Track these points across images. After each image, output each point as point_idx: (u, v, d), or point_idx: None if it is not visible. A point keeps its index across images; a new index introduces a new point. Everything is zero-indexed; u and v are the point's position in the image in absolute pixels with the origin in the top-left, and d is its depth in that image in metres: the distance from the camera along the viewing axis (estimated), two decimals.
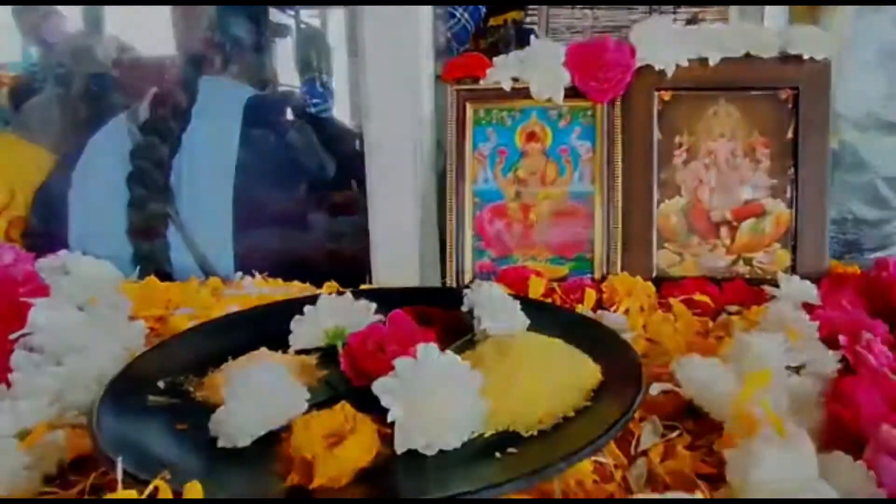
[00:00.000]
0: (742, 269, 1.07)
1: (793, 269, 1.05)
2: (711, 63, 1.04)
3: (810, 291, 0.95)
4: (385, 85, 1.13)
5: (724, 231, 1.07)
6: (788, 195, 1.05)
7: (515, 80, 1.10)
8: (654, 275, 1.07)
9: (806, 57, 1.02)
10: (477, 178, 1.13)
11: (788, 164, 1.05)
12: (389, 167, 1.16)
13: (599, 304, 1.01)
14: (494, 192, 1.12)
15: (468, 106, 1.13)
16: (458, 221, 1.12)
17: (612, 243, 1.08)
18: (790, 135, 1.05)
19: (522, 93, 1.09)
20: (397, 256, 1.17)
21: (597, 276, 1.09)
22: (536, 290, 1.01)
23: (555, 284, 1.05)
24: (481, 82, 1.12)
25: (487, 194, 1.13)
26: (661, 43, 1.04)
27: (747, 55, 1.04)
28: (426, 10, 1.16)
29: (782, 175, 1.05)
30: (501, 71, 1.11)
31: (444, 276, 1.13)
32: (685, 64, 1.04)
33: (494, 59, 1.13)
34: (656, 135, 1.08)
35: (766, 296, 0.97)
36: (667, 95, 1.08)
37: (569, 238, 1.10)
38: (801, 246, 1.04)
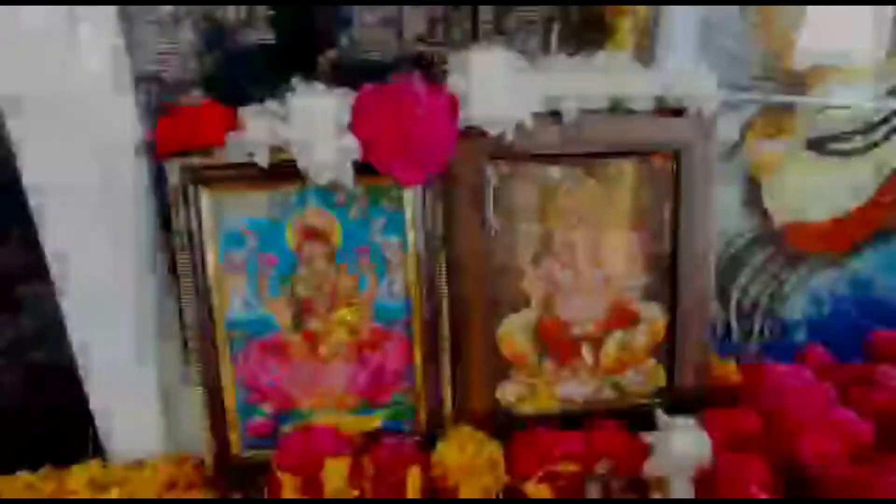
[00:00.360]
0: (609, 394, 0.81)
1: (669, 388, 0.81)
2: (567, 119, 0.70)
3: (699, 444, 0.72)
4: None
5: (586, 349, 0.79)
6: (666, 296, 0.78)
7: (278, 148, 0.69)
8: (497, 418, 0.78)
9: (691, 111, 0.72)
10: (232, 302, 0.73)
11: (665, 253, 0.77)
12: (91, 297, 0.73)
13: (430, 486, 0.71)
14: (261, 320, 0.74)
15: (203, 192, 0.70)
16: (207, 369, 0.73)
17: (439, 379, 0.76)
18: (667, 213, 0.76)
19: (290, 168, 0.68)
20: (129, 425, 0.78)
21: (420, 425, 0.78)
22: (336, 476, 0.68)
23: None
24: (221, 154, 0.69)
25: (252, 325, 0.74)
26: (497, 90, 0.68)
27: (612, 107, 0.72)
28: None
29: (658, 270, 0.78)
30: (254, 134, 0.68)
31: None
32: (528, 122, 0.69)
33: (242, 111, 0.70)
34: (492, 223, 0.74)
35: (641, 448, 0.73)
36: (505, 167, 0.73)
37: (378, 376, 0.76)
38: (680, 358, 0.79)
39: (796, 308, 1.01)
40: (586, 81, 0.70)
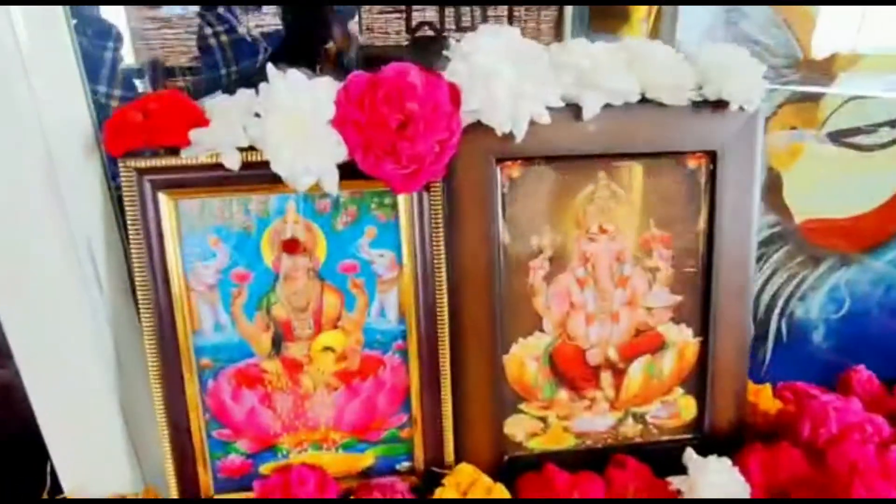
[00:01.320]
0: (631, 429, 0.71)
1: (700, 422, 0.71)
2: (588, 114, 0.60)
3: (736, 490, 0.62)
4: None
5: (606, 377, 0.69)
6: (698, 317, 0.68)
7: (250, 147, 0.59)
8: (505, 457, 0.68)
9: (732, 106, 0.61)
10: (201, 323, 0.63)
11: (698, 270, 0.67)
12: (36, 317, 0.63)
13: None
14: (235, 345, 0.64)
15: (163, 198, 0.60)
16: (171, 402, 0.64)
17: (439, 412, 0.66)
18: (702, 224, 0.66)
19: (265, 170, 0.58)
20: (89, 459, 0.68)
21: (417, 463, 0.68)
22: None
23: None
24: (183, 153, 0.59)
25: (224, 350, 0.64)
26: (506, 79, 0.57)
27: (644, 99, 0.61)
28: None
29: (690, 288, 0.68)
30: (220, 131, 0.58)
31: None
32: (545, 118, 0.59)
33: (208, 104, 0.60)
34: (501, 235, 0.64)
35: (669, 493, 0.64)
36: (515, 170, 0.63)
37: (369, 409, 0.67)
38: (715, 388, 0.70)
39: (814, 308, 0.92)
40: (611, 70, 0.59)
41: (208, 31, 1.12)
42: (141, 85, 0.99)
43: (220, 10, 1.08)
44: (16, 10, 0.58)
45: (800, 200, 0.86)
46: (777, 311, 0.90)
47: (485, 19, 1.21)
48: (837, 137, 0.86)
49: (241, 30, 1.12)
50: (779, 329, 0.90)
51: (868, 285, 0.91)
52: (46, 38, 0.59)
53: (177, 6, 1.07)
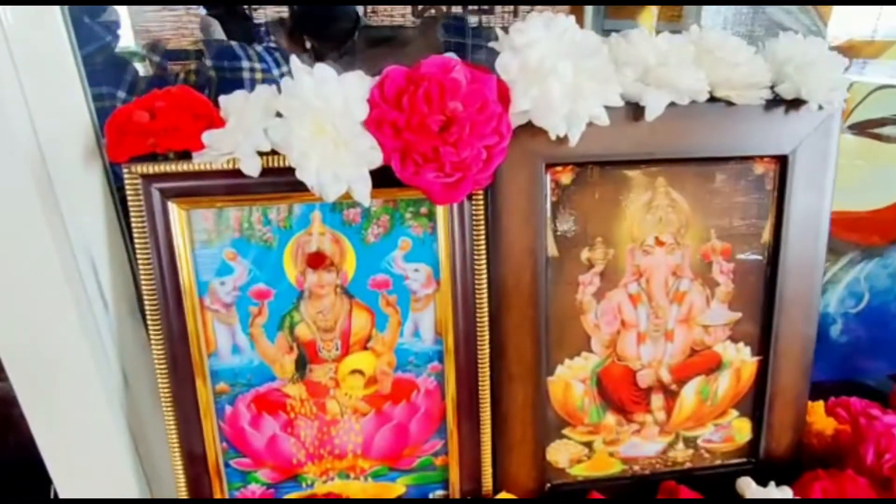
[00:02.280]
0: (681, 454, 0.66)
1: (753, 445, 0.66)
2: (651, 115, 0.53)
3: None
4: None
5: (656, 400, 0.64)
6: (757, 336, 0.63)
7: (272, 151, 0.52)
8: (547, 486, 0.63)
9: (810, 105, 0.55)
10: (217, 345, 0.57)
11: (760, 285, 0.62)
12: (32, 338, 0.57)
13: None
14: (255, 368, 0.58)
15: (174, 208, 0.54)
16: (186, 429, 0.58)
17: (477, 438, 0.61)
18: (767, 235, 0.60)
19: (287, 176, 0.51)
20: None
21: (453, 492, 0.63)
22: None
23: None
24: (196, 158, 0.52)
25: (243, 374, 0.58)
26: (562, 77, 0.51)
27: (711, 97, 0.55)
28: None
29: (750, 304, 0.62)
30: (238, 133, 0.52)
31: None
32: (604, 119, 0.53)
33: (224, 102, 0.53)
34: (548, 248, 0.58)
35: None
36: (566, 176, 0.57)
37: (402, 436, 0.61)
38: (773, 411, 0.64)
39: (833, 302, 0.88)
40: (679, 66, 0.52)
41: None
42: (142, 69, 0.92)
43: None
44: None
45: None
46: None
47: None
48: (861, 128, 0.82)
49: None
50: None
51: (888, 279, 0.88)
52: (38, 30, 0.52)
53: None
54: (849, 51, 0.86)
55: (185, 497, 0.60)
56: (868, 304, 0.89)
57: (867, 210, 0.85)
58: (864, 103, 0.83)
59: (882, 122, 0.83)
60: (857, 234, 0.86)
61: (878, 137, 0.83)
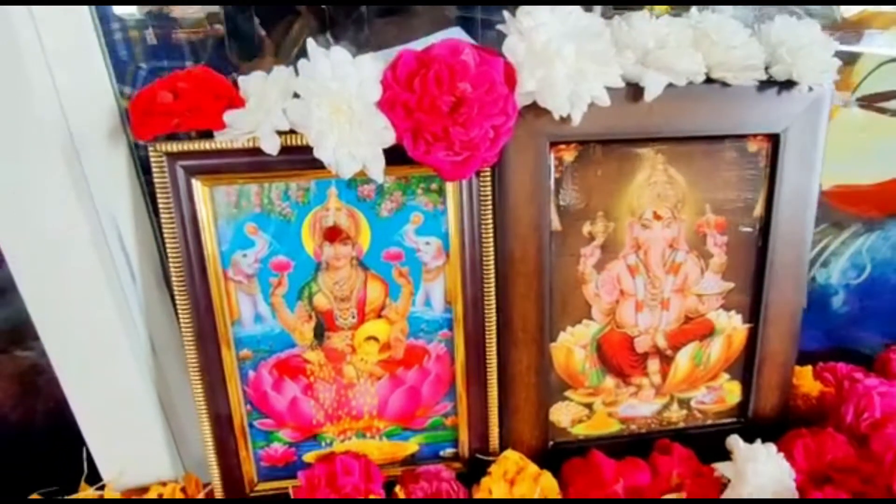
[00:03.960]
0: (675, 414, 0.70)
1: (742, 406, 0.70)
2: (650, 96, 0.56)
3: (781, 477, 0.62)
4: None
5: (653, 364, 0.68)
6: (748, 304, 0.67)
7: (290, 129, 0.55)
8: (550, 443, 0.68)
9: (801, 86, 0.58)
10: (240, 314, 0.61)
11: (752, 256, 0.65)
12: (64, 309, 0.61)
13: None
14: (276, 335, 0.62)
15: (198, 185, 0.57)
16: (212, 392, 0.62)
17: (484, 400, 0.65)
18: (759, 209, 0.64)
19: (305, 154, 0.54)
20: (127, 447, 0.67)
21: (462, 450, 0.67)
22: None
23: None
24: (218, 137, 0.55)
25: (265, 341, 0.62)
26: (566, 60, 0.53)
27: (708, 79, 0.58)
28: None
29: (742, 274, 0.66)
30: (258, 113, 0.54)
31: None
32: (605, 100, 0.55)
33: (243, 82, 0.56)
34: (551, 222, 0.61)
35: (714, 479, 0.64)
36: (569, 153, 0.60)
37: (414, 398, 0.65)
38: (761, 374, 0.69)
39: (835, 274, 0.91)
40: (678, 50, 0.55)
41: None
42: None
43: None
44: None
45: (827, 166, 0.83)
46: None
47: None
48: (869, 101, 0.83)
49: None
50: None
51: (889, 251, 0.90)
52: (66, 19, 0.55)
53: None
54: (859, 24, 0.87)
55: (213, 454, 0.64)
56: (870, 275, 0.91)
57: (871, 183, 0.86)
58: (871, 76, 0.83)
59: (889, 95, 0.84)
60: (861, 206, 0.88)
61: (885, 111, 0.84)
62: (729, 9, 0.64)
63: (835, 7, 0.91)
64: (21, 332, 0.76)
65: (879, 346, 0.93)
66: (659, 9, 1.03)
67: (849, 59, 0.80)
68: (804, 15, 0.78)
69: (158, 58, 0.75)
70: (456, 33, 0.79)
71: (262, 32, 0.83)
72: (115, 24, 0.69)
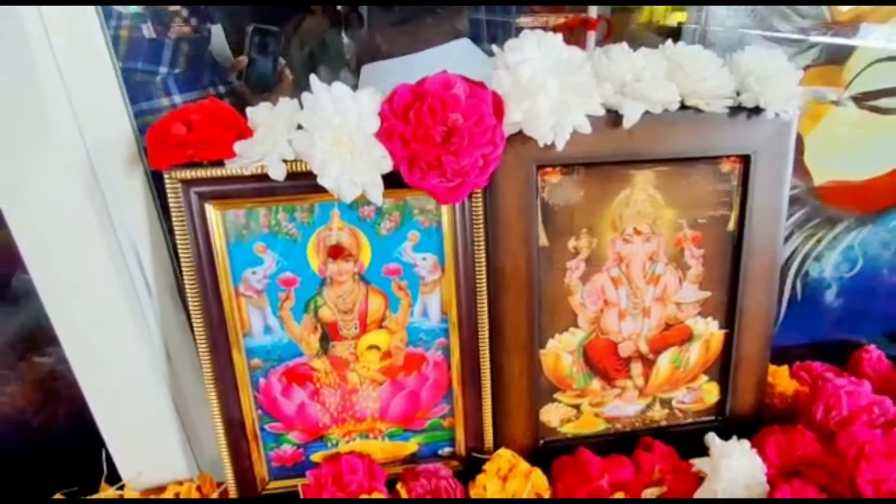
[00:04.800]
0: (658, 413, 0.75)
1: (720, 406, 0.75)
2: (628, 123, 0.61)
3: (753, 472, 0.67)
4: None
5: (636, 368, 0.73)
6: (724, 311, 0.72)
7: (296, 159, 0.59)
8: (540, 442, 0.73)
9: (768, 113, 0.62)
10: (251, 326, 0.66)
11: (726, 267, 0.70)
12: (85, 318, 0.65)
13: None
14: (284, 345, 0.67)
15: (210, 209, 0.61)
16: (225, 399, 0.67)
17: (479, 403, 0.70)
18: (732, 224, 0.68)
19: (309, 179, 0.59)
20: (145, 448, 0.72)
21: (459, 449, 0.72)
22: None
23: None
24: (229, 165, 0.60)
25: (274, 350, 0.67)
26: (550, 93, 0.58)
27: (682, 105, 0.62)
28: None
29: (718, 284, 0.70)
30: (266, 144, 0.59)
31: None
32: (587, 128, 0.60)
33: (251, 114, 0.60)
34: (539, 238, 0.66)
35: (692, 474, 0.69)
36: (554, 175, 0.64)
37: (413, 402, 0.70)
38: (737, 376, 0.74)
39: (828, 268, 0.95)
40: (653, 81, 0.59)
41: None
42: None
43: None
44: (51, 22, 0.57)
45: (820, 163, 0.87)
46: (793, 271, 0.92)
47: None
48: (860, 100, 0.85)
49: None
50: (794, 288, 0.93)
51: (880, 245, 0.93)
52: (83, 53, 0.59)
53: None
54: (850, 23, 0.88)
55: (227, 455, 0.69)
56: (862, 268, 0.94)
57: (862, 179, 0.89)
58: (863, 74, 0.85)
59: (880, 93, 0.86)
60: (853, 202, 0.90)
61: (876, 110, 0.86)
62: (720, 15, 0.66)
63: (825, 7, 0.93)
64: (37, 340, 0.81)
65: (871, 336, 0.96)
66: (660, 9, 1.05)
67: (840, 58, 0.83)
68: (794, 15, 0.81)
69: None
70: (465, 45, 0.83)
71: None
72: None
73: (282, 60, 1.07)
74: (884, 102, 0.86)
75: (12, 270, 0.76)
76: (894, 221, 0.92)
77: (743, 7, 0.80)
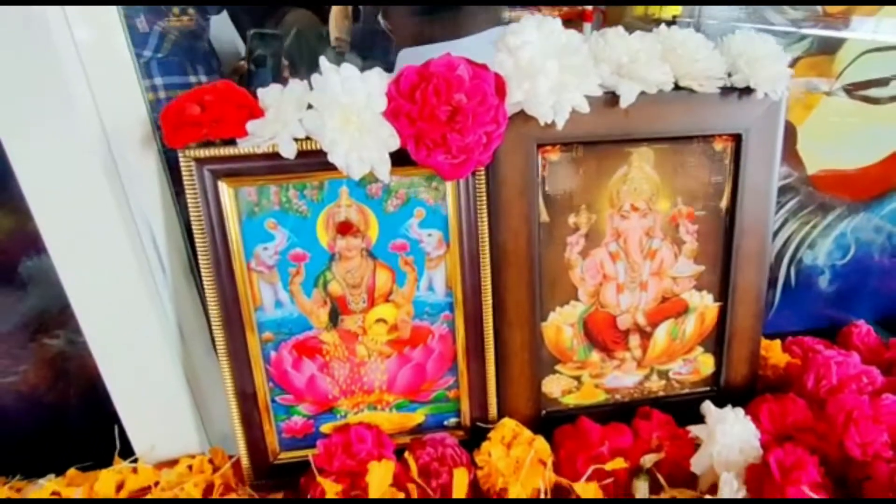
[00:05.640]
0: (655, 384, 0.78)
1: (715, 376, 0.78)
2: (625, 103, 0.63)
3: (747, 438, 0.70)
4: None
5: (634, 340, 0.75)
6: (718, 285, 0.74)
7: (306, 137, 0.62)
8: (542, 412, 0.76)
9: (758, 93, 0.65)
10: (262, 301, 0.68)
11: (720, 242, 0.73)
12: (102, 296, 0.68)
13: (475, 486, 0.70)
14: (294, 319, 0.69)
15: (223, 187, 0.64)
16: (237, 372, 0.69)
17: (483, 374, 0.73)
18: (725, 201, 0.71)
19: (319, 158, 0.61)
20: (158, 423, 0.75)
21: (464, 419, 0.75)
22: (380, 480, 0.66)
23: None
24: (241, 143, 0.62)
25: (285, 324, 0.69)
26: (549, 75, 0.60)
27: (676, 86, 0.65)
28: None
29: (712, 258, 0.73)
30: (277, 123, 0.61)
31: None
32: (585, 107, 0.62)
33: (262, 94, 0.63)
34: (540, 215, 0.68)
35: (689, 441, 0.72)
36: (554, 153, 0.67)
37: (420, 374, 0.73)
38: (731, 347, 0.76)
39: (821, 255, 0.97)
40: (648, 62, 0.62)
41: None
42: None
43: None
44: (72, 11, 0.59)
45: (812, 152, 0.89)
46: (787, 258, 0.95)
47: None
48: (851, 90, 0.88)
49: None
50: (788, 275, 0.96)
51: (872, 232, 0.96)
52: (101, 37, 0.61)
53: None
54: (842, 14, 0.90)
55: (240, 427, 0.71)
56: (854, 255, 0.96)
57: (854, 168, 0.91)
58: (854, 65, 0.87)
59: (871, 83, 0.88)
60: (845, 190, 0.93)
61: (867, 99, 0.89)
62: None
63: None
64: (47, 322, 0.83)
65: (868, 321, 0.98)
66: (668, 9, 1.06)
67: (832, 49, 0.85)
68: (787, 8, 0.83)
69: None
70: (496, 34, 0.84)
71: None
72: None
73: (284, 61, 1.09)
74: (874, 92, 0.88)
75: (19, 257, 0.78)
76: (885, 209, 0.95)
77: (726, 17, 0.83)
